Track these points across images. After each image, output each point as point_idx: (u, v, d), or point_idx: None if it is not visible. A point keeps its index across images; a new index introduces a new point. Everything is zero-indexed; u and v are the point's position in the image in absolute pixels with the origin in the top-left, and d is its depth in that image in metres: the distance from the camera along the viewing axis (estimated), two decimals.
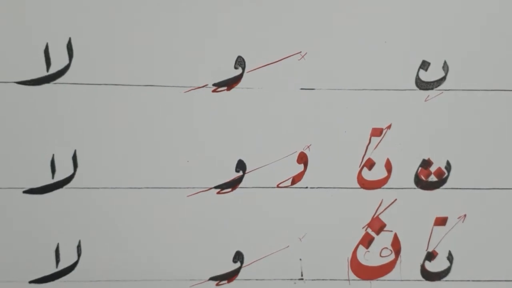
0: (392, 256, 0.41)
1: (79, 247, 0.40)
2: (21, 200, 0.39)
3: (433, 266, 0.41)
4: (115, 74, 0.39)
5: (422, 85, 0.41)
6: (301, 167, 0.41)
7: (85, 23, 0.39)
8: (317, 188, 0.41)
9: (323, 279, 0.41)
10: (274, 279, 0.41)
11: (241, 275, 0.41)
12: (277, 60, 0.40)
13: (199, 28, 0.40)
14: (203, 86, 0.40)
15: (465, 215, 0.41)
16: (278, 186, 0.41)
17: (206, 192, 0.40)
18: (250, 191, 0.40)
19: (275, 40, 0.40)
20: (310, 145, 0.41)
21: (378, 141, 0.41)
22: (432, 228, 0.41)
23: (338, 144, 0.41)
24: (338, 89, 0.40)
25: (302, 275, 0.41)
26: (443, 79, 0.41)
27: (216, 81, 0.40)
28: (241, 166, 0.40)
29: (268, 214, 0.41)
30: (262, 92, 0.40)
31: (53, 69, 0.39)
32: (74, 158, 0.39)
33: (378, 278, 0.41)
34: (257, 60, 0.40)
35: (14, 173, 0.39)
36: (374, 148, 0.41)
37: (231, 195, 0.40)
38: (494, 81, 0.41)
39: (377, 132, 0.41)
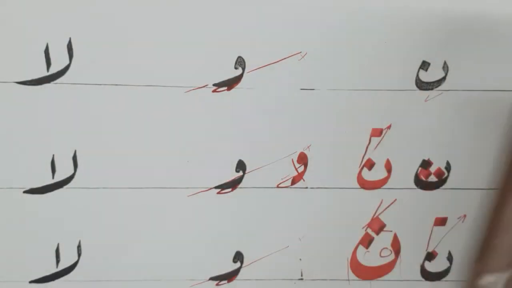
0: (392, 256, 0.41)
1: (79, 247, 0.40)
2: (21, 200, 0.39)
3: (433, 266, 0.41)
4: (115, 74, 0.39)
5: (422, 85, 0.41)
6: (301, 167, 0.41)
7: (85, 23, 0.39)
8: (317, 188, 0.41)
9: (323, 279, 0.41)
10: (274, 279, 0.41)
11: (241, 275, 0.41)
12: (277, 60, 0.40)
13: (199, 28, 0.40)
14: (203, 86, 0.40)
15: (465, 215, 0.41)
16: (278, 186, 0.41)
17: (206, 192, 0.40)
18: (250, 191, 0.40)
19: (275, 40, 0.40)
20: (310, 145, 0.41)
21: (378, 141, 0.41)
22: (432, 228, 0.41)
23: (338, 144, 0.41)
24: (338, 89, 0.40)
25: (302, 275, 0.41)
26: (443, 79, 0.41)
27: (216, 81, 0.40)
28: (241, 166, 0.40)
29: (268, 214, 0.41)
30: (262, 92, 0.40)
31: (53, 69, 0.39)
32: (74, 158, 0.39)
33: (378, 278, 0.41)
34: (257, 60, 0.40)
35: (14, 173, 0.39)
36: (374, 148, 0.41)
37: (231, 195, 0.40)
38: (494, 81, 0.41)
39: (377, 132, 0.41)
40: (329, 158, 0.41)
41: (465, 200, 0.41)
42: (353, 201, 0.41)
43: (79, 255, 0.40)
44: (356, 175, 0.41)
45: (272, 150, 0.40)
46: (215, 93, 0.40)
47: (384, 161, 0.41)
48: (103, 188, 0.40)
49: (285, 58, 0.40)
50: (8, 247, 0.40)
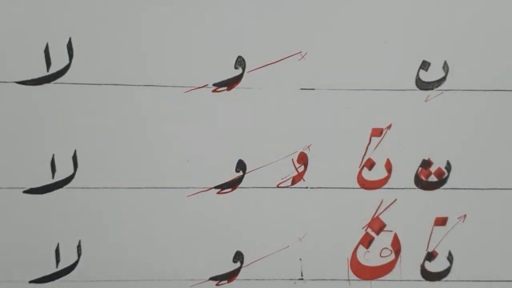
0: (392, 256, 0.41)
1: (79, 247, 0.40)
2: (21, 200, 0.39)
3: (433, 266, 0.41)
4: (115, 74, 0.39)
5: (422, 85, 0.41)
6: (301, 167, 0.41)
7: (85, 23, 0.39)
8: (317, 188, 0.41)
9: (323, 279, 0.41)
10: (274, 279, 0.41)
11: (241, 275, 0.41)
12: (277, 60, 0.40)
13: (199, 28, 0.40)
14: (203, 86, 0.40)
15: (465, 215, 0.41)
16: (278, 186, 0.41)
17: (206, 192, 0.40)
18: (250, 191, 0.40)
19: (275, 40, 0.40)
20: (310, 145, 0.41)
21: (378, 141, 0.41)
22: (432, 228, 0.41)
23: (338, 144, 0.41)
24: (338, 89, 0.40)
25: (302, 275, 0.41)
26: (443, 79, 0.41)
27: (216, 81, 0.40)
28: (241, 166, 0.40)
29: (268, 214, 0.41)
30: (262, 92, 0.40)
31: (53, 69, 0.39)
32: (74, 158, 0.39)
33: (378, 278, 0.41)
34: (257, 60, 0.40)
35: (14, 173, 0.39)
36: (374, 148, 0.41)
37: (231, 195, 0.40)
38: (494, 81, 0.41)
39: (377, 132, 0.41)
40: (329, 158, 0.41)
41: (465, 200, 0.41)
42: (353, 201, 0.41)
43: (79, 255, 0.40)
44: (356, 175, 0.41)
45: (272, 150, 0.40)
46: (215, 93, 0.40)
47: (384, 161, 0.41)
48: (103, 188, 0.40)
49: (285, 58, 0.40)
50: (8, 247, 0.40)
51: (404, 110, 0.41)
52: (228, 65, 0.40)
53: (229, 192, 0.40)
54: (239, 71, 0.40)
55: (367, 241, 0.41)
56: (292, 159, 0.41)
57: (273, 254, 0.41)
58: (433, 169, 0.41)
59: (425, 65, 0.41)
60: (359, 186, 0.41)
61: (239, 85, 0.40)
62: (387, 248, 0.41)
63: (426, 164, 0.41)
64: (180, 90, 0.40)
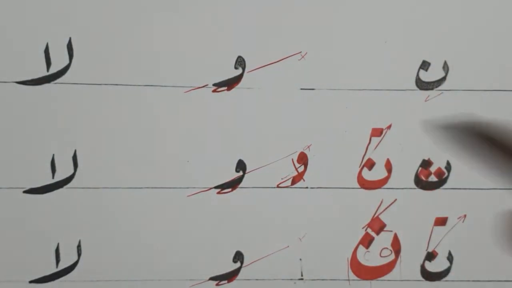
0: (392, 256, 0.41)
1: (79, 247, 0.40)
2: (21, 200, 0.39)
3: (433, 266, 0.41)
4: (115, 74, 0.39)
5: (422, 85, 0.41)
6: (301, 167, 0.41)
7: (85, 23, 0.39)
8: (317, 188, 0.41)
9: (323, 279, 0.41)
10: (274, 279, 0.41)
11: (241, 275, 0.41)
12: (277, 60, 0.40)
13: (199, 28, 0.40)
14: (203, 86, 0.40)
15: (465, 215, 0.41)
16: (278, 186, 0.41)
17: (206, 192, 0.40)
18: (250, 191, 0.40)
19: (275, 40, 0.40)
20: (310, 145, 0.41)
21: (378, 141, 0.41)
22: (432, 228, 0.41)
23: (338, 144, 0.41)
24: (338, 89, 0.40)
25: (302, 275, 0.41)
26: (443, 79, 0.41)
27: (216, 81, 0.40)
28: (241, 166, 0.40)
29: (268, 214, 0.41)
30: (262, 92, 0.40)
31: (53, 69, 0.39)
32: (74, 158, 0.39)
33: (378, 278, 0.41)
34: (257, 60, 0.40)
35: (14, 173, 0.39)
36: (374, 148, 0.41)
37: (231, 195, 0.40)
38: (494, 81, 0.41)
39: (377, 132, 0.41)
40: (329, 158, 0.41)
41: (465, 200, 0.41)
42: (353, 201, 0.41)
43: (79, 255, 0.40)
44: (356, 175, 0.41)
45: (272, 150, 0.40)
46: (215, 93, 0.40)
47: (384, 161, 0.41)
48: (103, 188, 0.40)
49: (285, 58, 0.40)
50: (8, 247, 0.40)
51: (404, 110, 0.41)
52: (228, 65, 0.40)
53: (229, 192, 0.40)
54: (239, 71, 0.40)
55: (367, 241, 0.41)
56: (292, 159, 0.41)
57: (273, 254, 0.41)
58: (433, 169, 0.41)
59: (425, 65, 0.41)
60: (359, 186, 0.41)
61: (239, 85, 0.40)
62: (387, 248, 0.41)
63: (426, 164, 0.41)
64: (180, 90, 0.40)
